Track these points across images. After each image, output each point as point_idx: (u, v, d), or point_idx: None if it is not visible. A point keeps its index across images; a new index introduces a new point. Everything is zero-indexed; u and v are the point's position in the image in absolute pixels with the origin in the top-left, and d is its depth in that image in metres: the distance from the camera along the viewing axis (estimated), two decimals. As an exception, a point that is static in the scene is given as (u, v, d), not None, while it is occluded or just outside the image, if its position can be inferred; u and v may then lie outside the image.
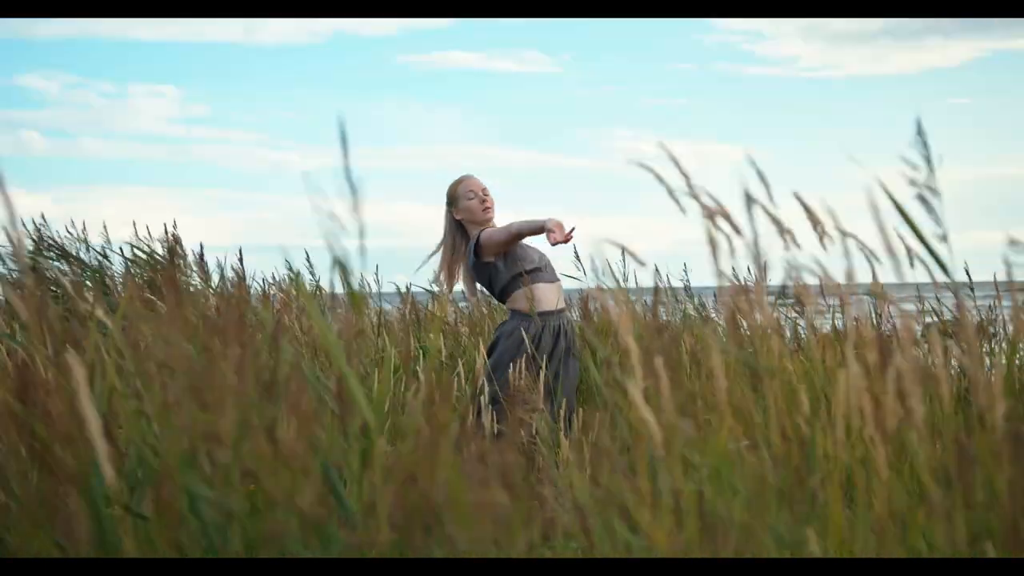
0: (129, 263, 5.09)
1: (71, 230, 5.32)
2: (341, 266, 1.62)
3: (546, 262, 4.33)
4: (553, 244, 3.97)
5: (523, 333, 4.08)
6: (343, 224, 1.56)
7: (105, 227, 5.42)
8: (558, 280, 4.31)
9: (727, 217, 1.80)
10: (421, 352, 4.97)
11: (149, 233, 5.37)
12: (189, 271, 5.28)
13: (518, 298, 4.17)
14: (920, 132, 1.75)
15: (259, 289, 6.08)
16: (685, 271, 6.18)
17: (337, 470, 1.66)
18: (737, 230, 1.79)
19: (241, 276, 5.68)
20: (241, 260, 5.70)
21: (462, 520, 1.52)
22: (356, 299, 1.68)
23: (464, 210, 4.26)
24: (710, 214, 1.77)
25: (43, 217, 5.60)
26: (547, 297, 4.20)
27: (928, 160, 1.78)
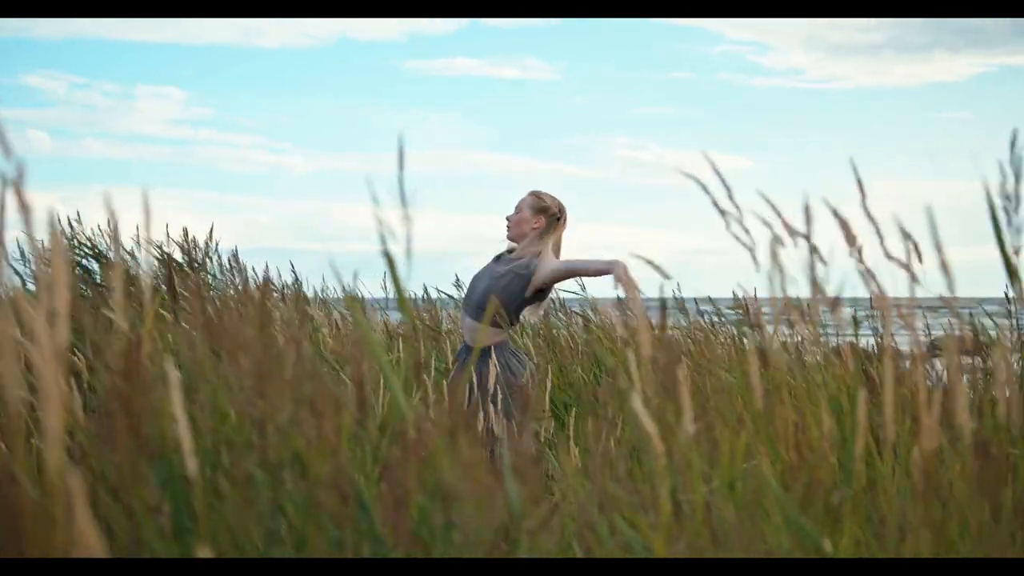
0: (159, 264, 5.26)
1: (102, 229, 5.49)
2: (392, 267, 1.69)
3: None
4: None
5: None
6: (391, 230, 1.65)
7: (138, 228, 5.57)
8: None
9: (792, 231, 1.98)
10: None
11: (186, 234, 5.53)
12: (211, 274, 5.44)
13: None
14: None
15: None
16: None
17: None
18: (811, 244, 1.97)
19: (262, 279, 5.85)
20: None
21: (475, 503, 1.60)
22: (404, 303, 1.78)
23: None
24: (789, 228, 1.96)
25: (79, 215, 5.78)
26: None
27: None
